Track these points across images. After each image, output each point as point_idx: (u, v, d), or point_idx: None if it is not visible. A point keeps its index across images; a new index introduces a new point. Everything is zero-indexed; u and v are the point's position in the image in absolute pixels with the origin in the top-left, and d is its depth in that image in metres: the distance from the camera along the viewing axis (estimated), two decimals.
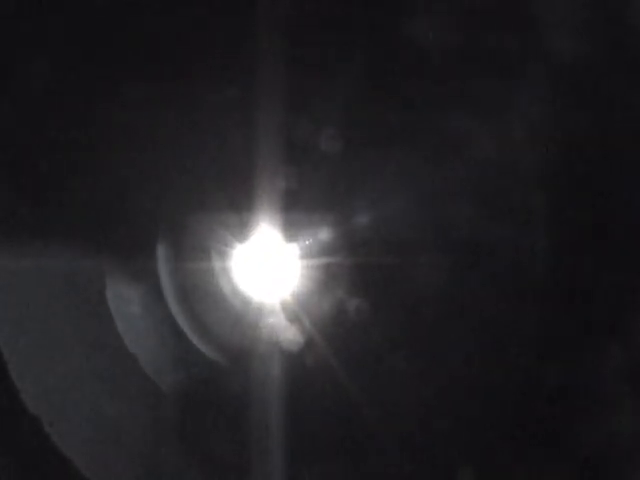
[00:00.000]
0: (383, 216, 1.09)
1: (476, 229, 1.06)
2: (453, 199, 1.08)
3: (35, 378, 1.02)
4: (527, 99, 1.03)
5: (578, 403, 1.02)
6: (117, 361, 1.10)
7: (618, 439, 1.00)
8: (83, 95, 1.02)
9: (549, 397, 1.03)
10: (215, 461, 1.08)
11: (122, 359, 1.09)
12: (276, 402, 1.04)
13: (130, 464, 1.07)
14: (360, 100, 1.05)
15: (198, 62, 1.03)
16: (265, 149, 1.03)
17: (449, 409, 1.06)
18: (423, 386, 1.06)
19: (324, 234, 1.10)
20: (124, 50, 1.02)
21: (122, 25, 1.02)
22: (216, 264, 1.13)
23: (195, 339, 1.12)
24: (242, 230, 1.09)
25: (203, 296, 1.14)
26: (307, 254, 1.12)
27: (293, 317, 1.10)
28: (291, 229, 1.10)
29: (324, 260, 1.11)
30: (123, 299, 1.12)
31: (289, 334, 1.09)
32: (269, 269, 1.13)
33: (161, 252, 1.13)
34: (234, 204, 1.07)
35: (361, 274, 1.10)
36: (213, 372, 1.11)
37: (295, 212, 1.08)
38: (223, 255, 1.12)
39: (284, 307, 1.11)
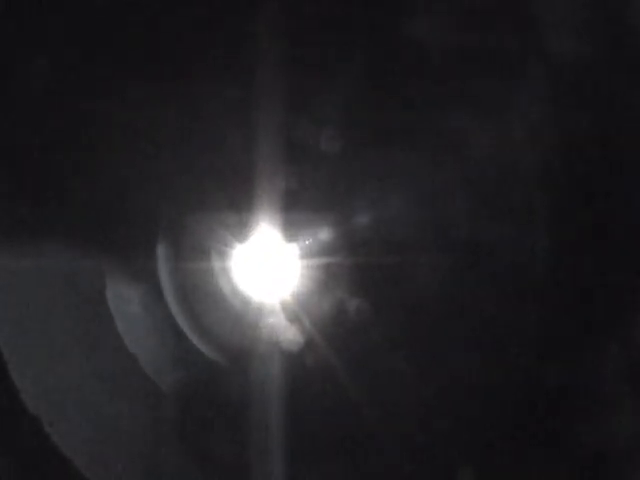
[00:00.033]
0: (383, 216, 1.09)
1: (476, 229, 1.06)
2: (453, 199, 1.08)
3: (35, 378, 1.02)
4: (527, 99, 1.03)
5: (578, 403, 1.02)
6: (117, 361, 1.10)
7: (618, 439, 1.00)
8: (83, 95, 1.02)
9: (549, 397, 1.03)
10: (215, 461, 1.08)
11: (122, 359, 1.09)
12: (276, 402, 1.04)
13: (130, 464, 1.07)
14: (360, 100, 1.05)
15: (198, 62, 1.03)
16: (265, 149, 1.03)
17: (449, 409, 1.06)
18: (423, 386, 1.06)
19: (324, 234, 1.10)
20: (124, 50, 1.02)
21: (122, 25, 1.02)
22: (216, 264, 1.13)
23: (195, 339, 1.12)
24: (242, 230, 1.09)
25: (203, 296, 1.14)
26: (307, 254, 1.12)
27: (293, 317, 1.10)
28: (291, 229, 1.10)
29: (324, 260, 1.11)
30: (123, 299, 1.12)
31: (289, 334, 1.09)
32: (269, 269, 1.13)
33: (161, 252, 1.13)
34: (234, 204, 1.07)
35: (361, 274, 1.10)
36: (213, 372, 1.11)
37: (295, 212, 1.08)
38: (223, 255, 1.12)
39: (284, 307, 1.11)
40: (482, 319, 1.06)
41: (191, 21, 1.02)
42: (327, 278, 1.11)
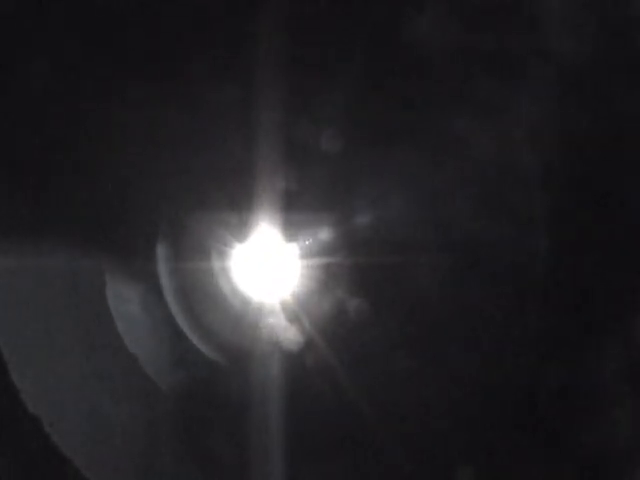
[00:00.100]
0: (383, 216, 1.09)
1: (476, 229, 1.06)
2: (453, 199, 1.08)
3: (35, 378, 1.02)
4: (527, 99, 1.03)
5: (578, 403, 1.02)
6: (117, 361, 1.10)
7: (618, 439, 1.00)
8: (83, 95, 1.02)
9: (549, 397, 1.03)
10: (215, 461, 1.08)
11: (122, 359, 1.09)
12: (276, 402, 1.04)
13: (130, 464, 1.07)
14: (360, 100, 1.05)
15: (198, 62, 1.03)
16: (265, 149, 1.03)
17: (449, 409, 1.06)
18: (423, 386, 1.06)
19: (324, 234, 1.10)
20: (124, 50, 1.02)
21: (122, 25, 1.02)
22: (216, 264, 1.13)
23: (195, 339, 1.12)
24: (242, 230, 1.09)
25: (203, 296, 1.14)
26: (307, 254, 1.12)
27: (293, 317, 1.10)
28: (291, 229, 1.10)
29: (324, 260, 1.11)
30: (123, 299, 1.12)
31: (289, 334, 1.09)
32: (269, 269, 1.13)
33: (161, 252, 1.13)
34: (234, 204, 1.07)
35: (361, 274, 1.10)
36: (213, 372, 1.11)
37: (295, 212, 1.08)
38: (223, 255, 1.12)
39: (284, 307, 1.11)
40: (482, 319, 1.06)
41: (191, 21, 1.02)
42: (327, 278, 1.11)
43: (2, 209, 1.05)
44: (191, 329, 1.13)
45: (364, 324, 1.08)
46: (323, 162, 1.06)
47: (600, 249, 1.01)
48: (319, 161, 1.06)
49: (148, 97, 1.02)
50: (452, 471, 1.04)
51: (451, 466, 1.04)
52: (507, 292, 1.06)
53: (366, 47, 1.04)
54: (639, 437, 0.99)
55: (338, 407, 1.05)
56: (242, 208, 1.06)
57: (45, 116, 1.03)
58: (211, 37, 1.03)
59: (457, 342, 1.07)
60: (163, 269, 1.13)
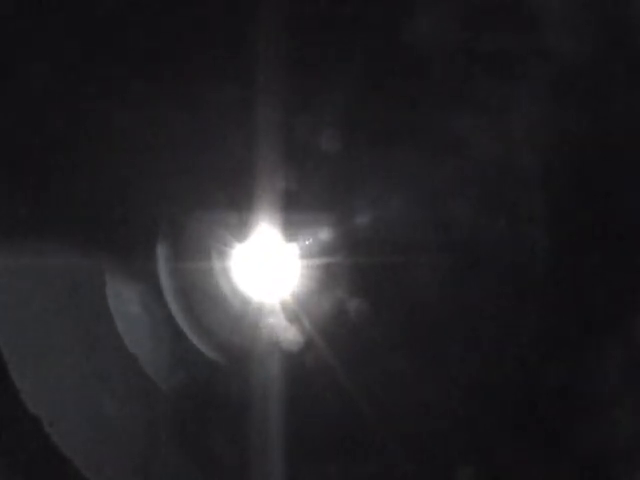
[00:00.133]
0: (383, 216, 1.09)
1: (476, 229, 1.06)
2: (453, 199, 1.08)
3: (35, 378, 1.01)
4: (527, 99, 1.03)
5: (578, 403, 1.02)
6: (117, 361, 1.10)
7: (618, 439, 1.00)
8: (83, 95, 1.02)
9: (549, 397, 1.03)
10: (215, 461, 1.08)
11: (122, 359, 1.09)
12: (276, 402, 1.04)
13: (130, 464, 1.07)
14: (360, 100, 1.05)
15: (198, 62, 1.03)
16: (265, 149, 1.03)
17: (449, 409, 1.06)
18: (423, 386, 1.06)
19: (324, 234, 1.10)
20: (124, 50, 1.02)
21: (122, 25, 1.02)
22: (216, 264, 1.13)
23: (195, 339, 1.12)
24: (242, 230, 1.09)
25: (203, 296, 1.14)
26: (307, 254, 1.12)
27: (293, 317, 1.10)
28: (291, 229, 1.09)
29: (324, 260, 1.11)
30: (123, 299, 1.12)
31: (289, 334, 1.09)
32: (269, 269, 1.13)
33: (161, 252, 1.13)
34: (234, 204, 1.07)
35: (361, 274, 1.10)
36: (213, 372, 1.11)
37: (295, 212, 1.08)
38: (223, 255, 1.12)
39: (284, 307, 1.11)
40: (482, 319, 1.06)
41: (191, 21, 1.02)
42: (327, 278, 1.11)
43: (2, 209, 1.05)
44: (191, 329, 1.13)
45: (364, 324, 1.08)
46: (323, 162, 1.06)
47: (600, 249, 1.01)
48: (319, 161, 1.06)
49: (148, 97, 1.02)
50: (452, 471, 1.04)
51: (451, 466, 1.04)
52: (507, 292, 1.06)
53: (366, 47, 1.04)
54: (639, 437, 0.99)
55: (338, 407, 1.05)
56: (242, 208, 1.06)
57: (45, 116, 1.03)
58: (211, 37, 1.03)
59: (457, 342, 1.07)
60: (163, 269, 1.13)
